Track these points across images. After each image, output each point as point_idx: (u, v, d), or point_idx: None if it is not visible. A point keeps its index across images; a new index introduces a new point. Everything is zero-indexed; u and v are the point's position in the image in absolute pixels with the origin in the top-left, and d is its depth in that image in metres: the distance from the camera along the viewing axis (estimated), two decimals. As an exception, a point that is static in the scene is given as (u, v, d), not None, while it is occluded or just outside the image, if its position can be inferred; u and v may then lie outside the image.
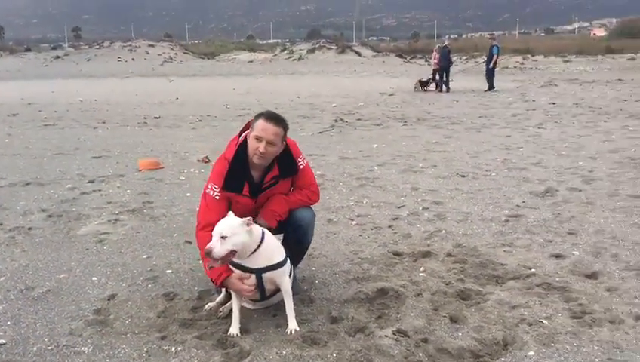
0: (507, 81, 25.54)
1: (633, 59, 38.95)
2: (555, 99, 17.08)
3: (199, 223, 3.31)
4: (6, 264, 4.22)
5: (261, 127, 3.22)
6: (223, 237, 2.92)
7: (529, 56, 44.55)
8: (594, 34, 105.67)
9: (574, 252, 4.25)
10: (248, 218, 3.04)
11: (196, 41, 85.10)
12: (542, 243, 4.50)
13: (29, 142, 10.42)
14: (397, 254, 4.32)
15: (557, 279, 3.73)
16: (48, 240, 4.78)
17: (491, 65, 21.02)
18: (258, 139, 3.21)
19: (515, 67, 39.07)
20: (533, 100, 17.02)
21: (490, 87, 20.83)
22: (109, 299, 3.57)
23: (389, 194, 6.24)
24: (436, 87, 21.43)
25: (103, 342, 3.03)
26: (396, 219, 5.28)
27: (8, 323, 3.26)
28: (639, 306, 3.30)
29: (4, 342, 3.03)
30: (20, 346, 2.99)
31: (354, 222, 5.20)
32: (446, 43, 23.75)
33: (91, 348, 2.97)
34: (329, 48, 53.35)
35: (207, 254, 2.92)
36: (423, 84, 21.22)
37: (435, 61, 21.87)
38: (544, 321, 3.14)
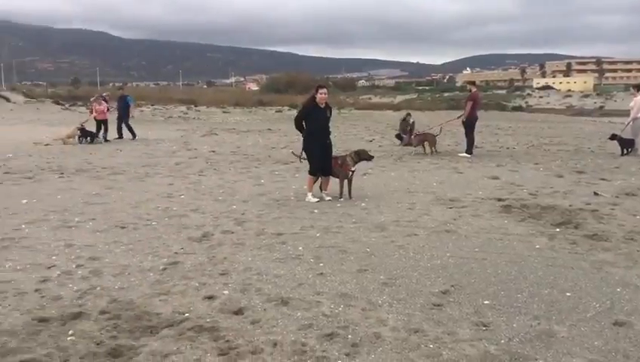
0: (172, 130, 26.22)
1: (280, 111, 44.44)
2: (215, 147, 18.19)
3: None
4: None
5: None
6: None
7: (193, 106, 46.81)
8: (249, 88, 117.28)
9: (225, 291, 4.57)
10: None
11: None
12: (196, 286, 4.70)
13: None
14: (43, 320, 3.97)
15: (208, 320, 3.94)
16: None
17: (132, 115, 21.35)
18: None
19: (180, 116, 40.48)
20: (196, 149, 17.81)
21: (134, 136, 20.98)
22: None
23: (38, 254, 5.71)
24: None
25: None
26: (45, 281, 4.86)
27: None
28: (276, 333, 3.72)
29: None
30: None
31: (-8, 291, 4.59)
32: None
33: None
34: (-31, 92, 46.61)
35: None
36: (88, 134, 19.67)
37: (103, 108, 20.53)
38: (195, 365, 3.28)
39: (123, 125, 20.79)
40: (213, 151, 16.79)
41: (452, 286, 4.67)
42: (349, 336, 3.65)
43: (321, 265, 5.31)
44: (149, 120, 34.30)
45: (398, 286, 4.67)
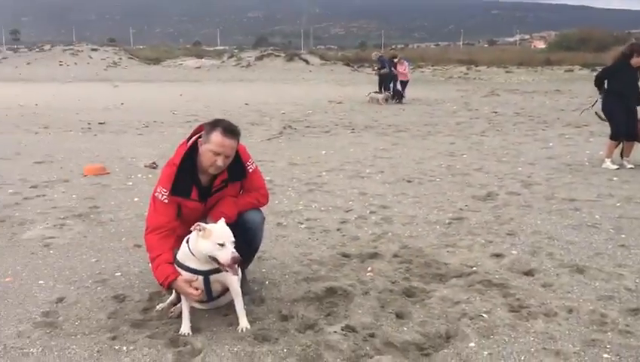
0: (452, 91, 26.27)
1: (570, 70, 40.72)
2: (497, 108, 17.70)
3: (148, 227, 3.32)
4: (-54, 270, 4.10)
5: (219, 142, 3.21)
6: (233, 242, 3.03)
7: (473, 66, 45.96)
8: (534, 46, 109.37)
9: (513, 251, 4.48)
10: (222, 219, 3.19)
11: (141, 46, 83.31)
12: (483, 243, 4.71)
13: (-35, 147, 10.04)
14: (345, 255, 4.44)
15: (496, 276, 3.93)
16: (-9, 245, 4.67)
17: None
18: (216, 153, 3.23)
19: (460, 77, 40.22)
20: (477, 109, 17.59)
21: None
22: (57, 302, 3.54)
23: (338, 198, 6.38)
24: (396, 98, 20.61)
25: (53, 343, 3.01)
26: (344, 222, 5.41)
27: (-49, 328, 3.19)
28: (571, 300, 3.52)
29: (-53, 346, 2.96)
30: (-35, 350, 2.94)
31: (303, 226, 5.30)
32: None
33: (40, 349, 2.95)
34: (277, 56, 53.38)
35: (237, 260, 3.01)
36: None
37: (404, 71, 21.11)
38: (484, 315, 3.32)
39: (390, 84, 21.59)
40: (495, 112, 16.35)
41: None
42: (660, 316, 3.27)
43: (623, 236, 4.81)
44: (429, 80, 34.91)
45: None
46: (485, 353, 2.91)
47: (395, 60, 21.22)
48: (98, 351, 2.93)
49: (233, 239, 3.04)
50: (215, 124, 3.28)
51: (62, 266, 4.19)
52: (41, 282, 3.88)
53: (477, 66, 45.67)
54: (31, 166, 8.31)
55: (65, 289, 3.76)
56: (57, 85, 31.60)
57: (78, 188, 6.86)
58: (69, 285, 3.83)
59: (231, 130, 3.27)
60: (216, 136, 3.22)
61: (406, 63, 21.42)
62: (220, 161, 3.23)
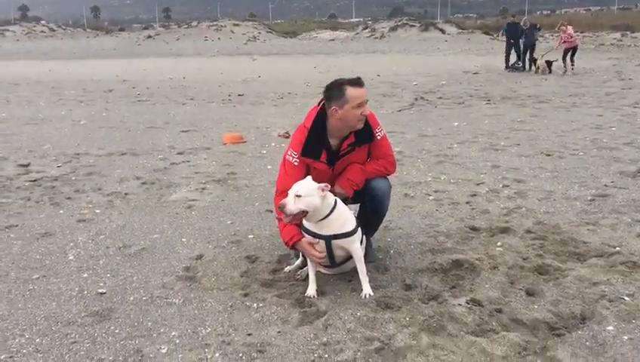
0: (602, 59, 24.14)
1: None
2: (654, 77, 16.02)
3: (277, 189, 3.43)
4: (105, 224, 4.61)
5: (355, 93, 3.31)
6: (297, 196, 3.06)
7: (628, 32, 41.76)
8: None
9: (664, 233, 4.07)
10: (325, 184, 3.15)
11: (279, 21, 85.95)
12: (629, 222, 4.33)
13: (123, 117, 11.10)
14: (474, 229, 4.31)
15: (643, 258, 3.60)
16: (143, 205, 5.16)
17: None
18: (360, 105, 3.31)
19: (612, 44, 36.79)
20: (630, 79, 16.04)
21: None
22: (197, 259, 3.84)
23: (468, 171, 6.17)
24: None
25: (192, 295, 3.28)
26: (474, 195, 5.24)
27: (108, 275, 3.58)
28: None
29: (104, 291, 3.34)
30: (119, 295, 3.29)
31: (431, 198, 5.21)
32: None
33: (181, 300, 3.22)
34: (412, 26, 52.38)
35: (281, 208, 3.07)
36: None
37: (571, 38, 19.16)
38: (626, 298, 3.07)
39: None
40: (653, 82, 14.80)
41: None
42: None
43: None
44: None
45: None
46: (625, 338, 2.69)
47: (563, 27, 19.72)
48: (231, 306, 3.13)
49: (296, 191, 3.07)
50: (339, 84, 3.36)
51: (202, 226, 4.52)
52: (183, 240, 4.22)
53: (633, 32, 41.44)
54: (178, 134, 8.99)
55: (204, 247, 4.06)
56: (202, 59, 33.71)
57: (218, 156, 7.32)
58: (208, 244, 4.12)
59: (357, 81, 3.38)
60: (351, 91, 3.32)
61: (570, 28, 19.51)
62: (366, 110, 3.35)
